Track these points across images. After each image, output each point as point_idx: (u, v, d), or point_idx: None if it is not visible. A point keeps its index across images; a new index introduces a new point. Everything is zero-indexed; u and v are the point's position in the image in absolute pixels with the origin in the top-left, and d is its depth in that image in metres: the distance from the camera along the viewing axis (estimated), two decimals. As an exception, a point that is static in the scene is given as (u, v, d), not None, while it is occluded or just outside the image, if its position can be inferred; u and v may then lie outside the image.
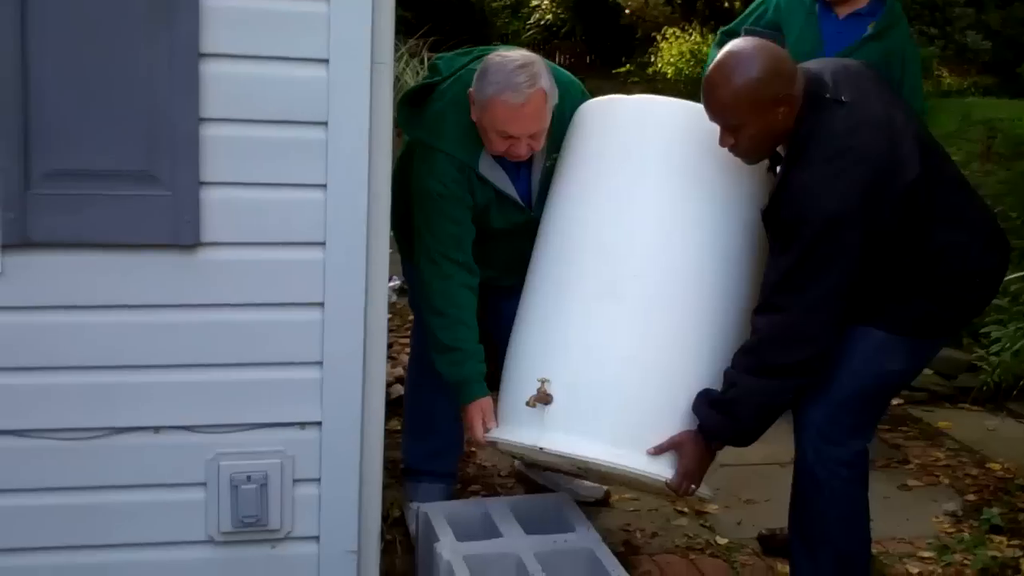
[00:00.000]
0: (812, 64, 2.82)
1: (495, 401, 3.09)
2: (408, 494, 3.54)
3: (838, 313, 2.68)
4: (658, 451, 2.81)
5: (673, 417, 2.82)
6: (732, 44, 2.71)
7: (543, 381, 2.83)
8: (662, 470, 2.82)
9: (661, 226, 2.90)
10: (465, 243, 3.10)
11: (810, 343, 2.68)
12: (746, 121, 2.65)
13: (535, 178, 3.15)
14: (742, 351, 2.76)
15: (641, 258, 2.89)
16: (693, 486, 2.86)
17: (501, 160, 3.07)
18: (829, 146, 2.63)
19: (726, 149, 2.74)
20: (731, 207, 2.90)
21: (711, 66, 2.73)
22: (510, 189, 3.13)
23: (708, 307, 2.87)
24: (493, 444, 3.08)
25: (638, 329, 2.85)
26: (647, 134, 2.97)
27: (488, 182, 3.09)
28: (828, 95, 2.68)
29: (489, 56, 2.99)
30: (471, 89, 2.97)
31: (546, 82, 2.93)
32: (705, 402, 2.80)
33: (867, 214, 2.61)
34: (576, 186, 3.02)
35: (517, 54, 2.98)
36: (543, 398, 2.82)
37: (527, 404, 2.84)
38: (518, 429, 2.91)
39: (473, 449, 3.99)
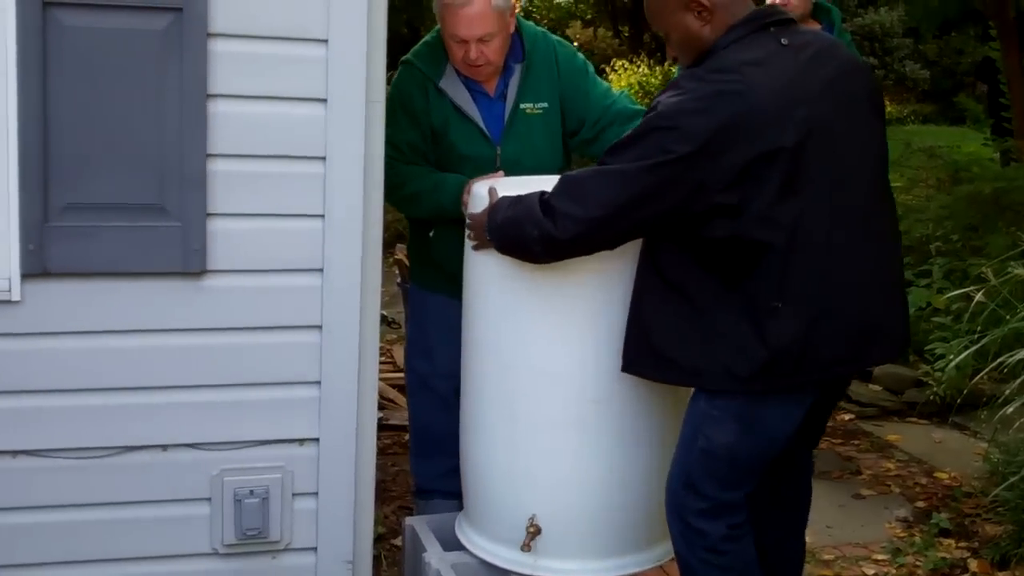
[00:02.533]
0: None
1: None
2: (420, 513, 3.54)
3: (619, 204, 2.44)
4: (490, 194, 2.72)
5: (636, 512, 2.87)
6: None
7: (532, 521, 2.79)
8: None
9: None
10: (409, 153, 3.20)
11: (576, 202, 2.48)
12: (666, 27, 2.62)
13: (507, 112, 3.23)
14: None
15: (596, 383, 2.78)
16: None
17: (473, 91, 3.20)
18: (724, 61, 2.47)
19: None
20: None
21: None
22: (471, 108, 3.21)
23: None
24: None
25: (603, 454, 2.81)
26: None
27: (446, 95, 3.21)
28: (772, 29, 2.53)
29: None
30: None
31: None
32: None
33: (711, 140, 2.37)
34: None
35: None
36: (536, 533, 2.80)
37: (523, 550, 2.79)
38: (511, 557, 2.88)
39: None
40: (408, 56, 3.29)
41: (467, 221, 2.85)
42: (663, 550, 2.92)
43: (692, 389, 2.61)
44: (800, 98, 2.43)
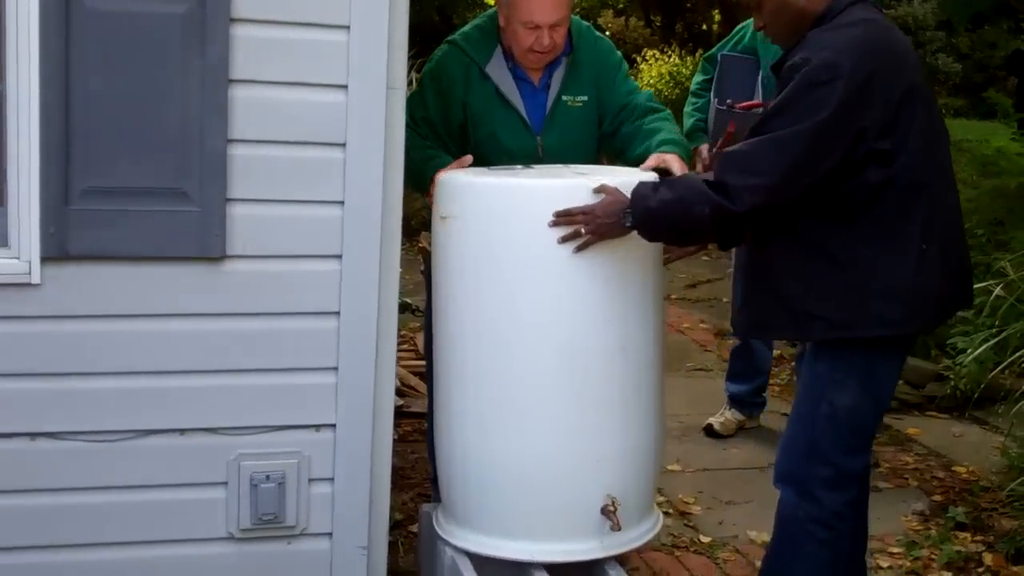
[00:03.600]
0: None
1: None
2: (437, 500, 3.59)
3: (800, 162, 2.56)
4: (599, 189, 2.72)
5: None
6: None
7: (611, 499, 2.79)
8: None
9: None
10: (423, 128, 3.17)
11: (753, 172, 2.56)
12: None
13: (550, 103, 3.25)
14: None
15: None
16: (582, 228, 2.69)
17: (518, 78, 3.21)
18: (850, 18, 2.65)
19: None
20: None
21: None
22: (515, 96, 3.22)
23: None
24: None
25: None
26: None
27: (491, 81, 3.20)
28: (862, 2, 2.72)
29: None
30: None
31: None
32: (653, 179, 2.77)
33: (858, 88, 2.54)
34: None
35: None
36: (615, 509, 2.79)
37: (613, 529, 2.78)
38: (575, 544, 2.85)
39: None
40: (455, 37, 3.29)
41: (574, 214, 2.71)
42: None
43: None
44: (909, 50, 2.75)
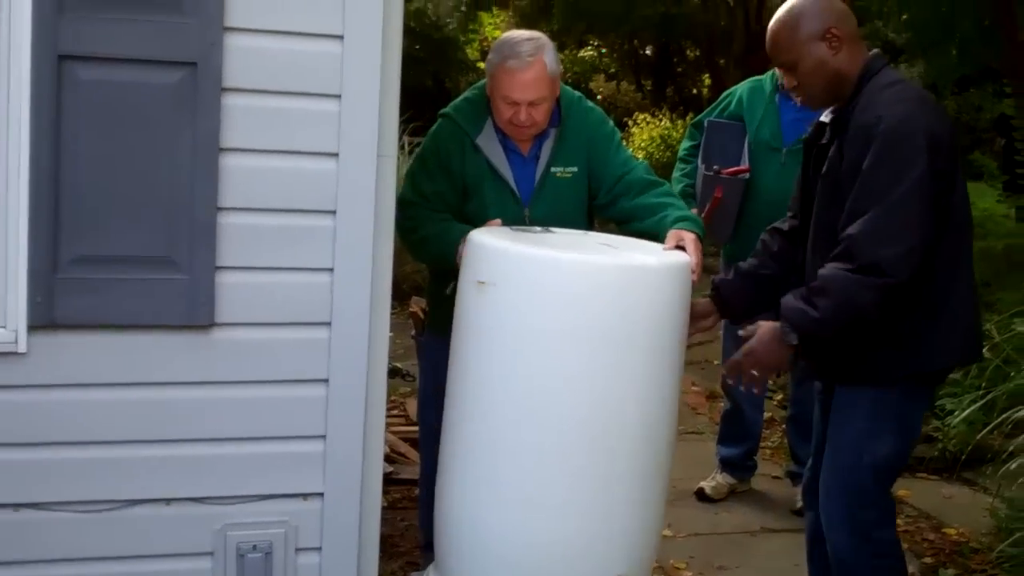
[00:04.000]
0: None
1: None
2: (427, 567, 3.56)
3: (924, 216, 2.70)
4: (745, 334, 2.89)
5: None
6: None
7: None
8: None
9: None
10: (436, 202, 3.22)
11: (897, 240, 2.68)
12: (795, 58, 2.88)
13: (538, 174, 3.27)
14: (834, 256, 2.76)
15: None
16: (754, 371, 2.86)
17: (508, 150, 3.24)
18: (892, 77, 2.85)
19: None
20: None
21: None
22: (504, 168, 3.25)
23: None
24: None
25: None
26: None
27: (481, 153, 3.24)
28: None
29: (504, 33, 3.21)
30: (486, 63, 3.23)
31: (549, 57, 3.13)
32: (791, 293, 2.83)
33: (933, 137, 2.72)
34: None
35: (527, 32, 3.23)
36: None
37: None
38: None
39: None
40: (448, 110, 3.33)
41: (740, 359, 2.90)
42: None
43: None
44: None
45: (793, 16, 2.89)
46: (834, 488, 2.93)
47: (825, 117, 3.00)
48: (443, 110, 3.36)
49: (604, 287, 2.67)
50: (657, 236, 3.05)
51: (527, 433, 2.70)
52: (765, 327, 2.85)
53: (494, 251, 2.75)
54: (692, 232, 3.01)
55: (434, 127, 3.34)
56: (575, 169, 3.29)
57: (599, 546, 2.76)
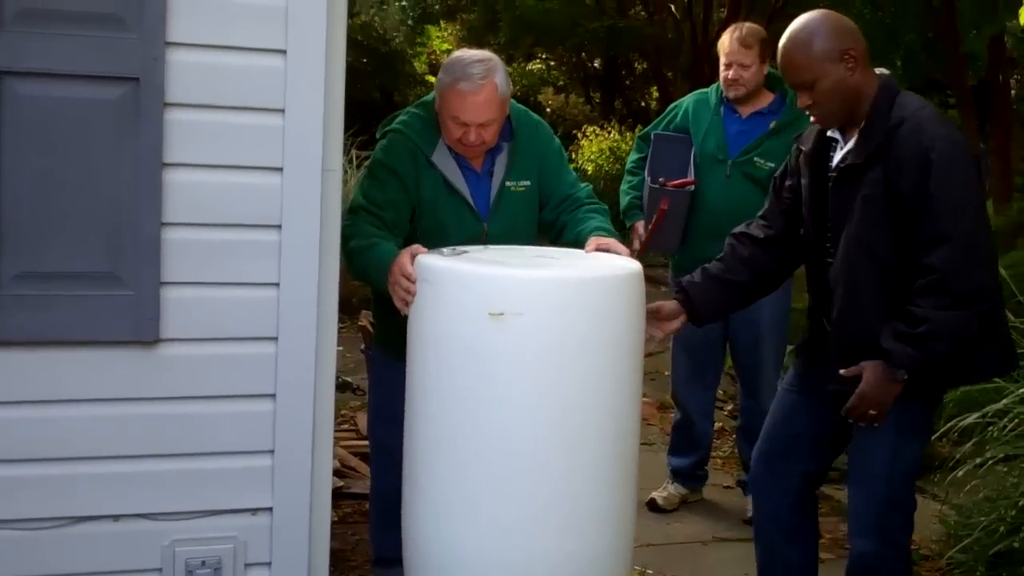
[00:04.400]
0: None
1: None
2: None
3: (990, 234, 2.87)
4: (848, 374, 2.88)
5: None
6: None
7: None
8: None
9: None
10: (388, 211, 3.18)
11: (983, 264, 2.78)
12: (812, 78, 2.87)
13: (494, 189, 3.29)
14: (924, 291, 2.77)
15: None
16: (871, 412, 2.88)
17: (462, 166, 3.25)
18: (912, 100, 2.90)
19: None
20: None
21: (784, 35, 2.96)
22: (461, 184, 3.25)
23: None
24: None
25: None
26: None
27: (436, 169, 3.23)
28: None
29: (454, 52, 3.20)
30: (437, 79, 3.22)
31: (500, 78, 3.13)
32: (893, 336, 2.82)
33: (971, 152, 2.88)
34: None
35: (478, 52, 3.22)
36: None
37: None
38: None
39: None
40: (397, 126, 3.29)
41: (857, 408, 2.91)
42: None
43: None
44: None
45: (808, 36, 2.89)
46: (870, 501, 2.99)
47: (834, 134, 3.01)
48: (391, 126, 3.33)
49: (568, 301, 2.67)
50: (579, 245, 3.10)
51: (495, 455, 2.69)
52: (869, 368, 2.85)
53: (513, 282, 2.68)
54: (611, 238, 3.08)
55: (384, 141, 3.30)
56: (528, 183, 3.32)
57: (576, 562, 2.77)
